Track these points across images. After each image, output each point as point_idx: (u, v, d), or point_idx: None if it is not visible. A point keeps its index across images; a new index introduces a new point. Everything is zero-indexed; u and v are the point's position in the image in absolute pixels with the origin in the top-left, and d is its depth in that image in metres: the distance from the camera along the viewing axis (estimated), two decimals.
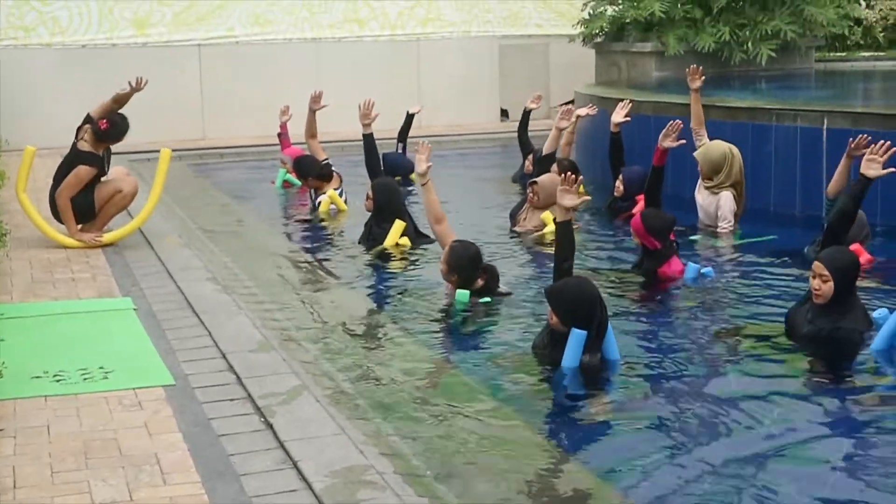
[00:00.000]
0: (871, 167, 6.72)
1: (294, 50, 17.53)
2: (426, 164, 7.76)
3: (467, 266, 7.27)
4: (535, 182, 9.79)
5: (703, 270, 7.86)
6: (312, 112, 11.54)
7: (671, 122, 8.57)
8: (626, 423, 5.30)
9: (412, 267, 8.73)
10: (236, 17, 17.17)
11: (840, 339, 6.19)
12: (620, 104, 10.03)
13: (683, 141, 8.56)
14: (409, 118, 13.71)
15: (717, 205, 9.71)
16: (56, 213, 9.11)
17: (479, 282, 7.30)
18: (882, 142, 6.81)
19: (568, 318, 5.86)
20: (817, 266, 6.21)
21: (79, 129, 9.12)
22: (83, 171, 8.95)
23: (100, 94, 9.72)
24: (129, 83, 9.34)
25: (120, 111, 9.17)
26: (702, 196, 9.89)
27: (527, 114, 12.74)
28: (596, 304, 5.89)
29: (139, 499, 4.23)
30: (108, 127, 8.95)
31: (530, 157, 11.90)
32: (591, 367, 5.83)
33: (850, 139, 8.13)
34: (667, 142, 8.35)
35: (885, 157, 6.74)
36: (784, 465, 4.80)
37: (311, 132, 11.61)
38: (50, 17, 16.18)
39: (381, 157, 10.43)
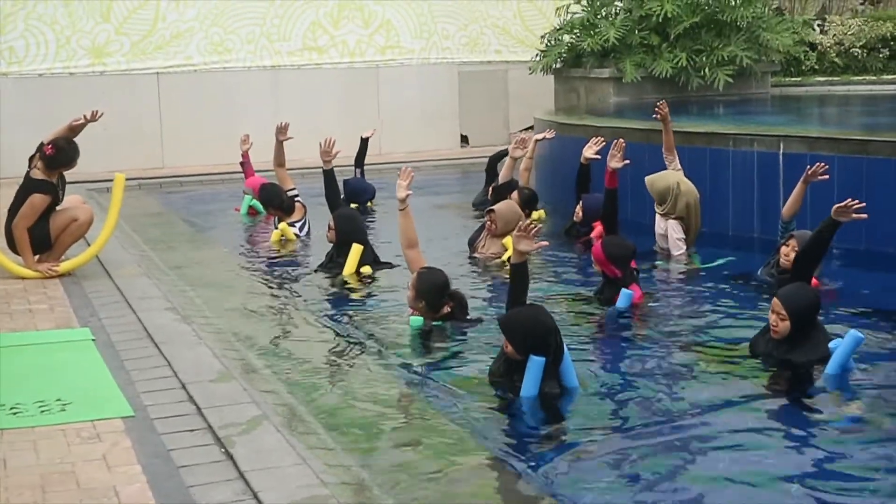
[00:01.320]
0: (843, 215, 6.73)
1: (253, 78, 17.52)
2: (406, 192, 7.80)
3: (434, 292, 7.30)
4: (493, 210, 9.82)
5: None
6: (279, 142, 11.56)
7: (615, 141, 8.68)
8: (586, 450, 5.30)
9: (373, 293, 8.73)
10: (195, 46, 17.15)
11: (794, 367, 6.23)
12: (593, 140, 10.05)
13: (628, 161, 8.65)
14: (364, 143, 13.77)
15: (666, 230, 9.83)
16: (12, 244, 9.02)
17: (446, 309, 7.32)
18: (852, 200, 6.76)
19: (522, 347, 5.86)
20: (775, 303, 6.25)
21: (31, 157, 9.06)
22: (38, 200, 8.88)
23: (58, 124, 9.66)
24: (84, 115, 9.32)
25: (68, 137, 9.11)
26: (658, 218, 9.98)
27: (505, 153, 12.79)
28: (550, 331, 5.88)
29: None
30: (54, 152, 8.87)
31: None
32: (549, 395, 5.84)
33: (808, 167, 8.22)
34: (613, 162, 8.45)
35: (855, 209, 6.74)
36: (737, 488, 4.82)
37: (279, 161, 11.63)
38: (6, 46, 16.09)
39: (341, 185, 10.44)
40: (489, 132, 18.49)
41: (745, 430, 5.51)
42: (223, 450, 5.02)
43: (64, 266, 8.98)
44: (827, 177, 8.25)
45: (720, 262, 9.37)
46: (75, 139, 9.16)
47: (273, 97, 17.36)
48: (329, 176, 9.83)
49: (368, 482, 4.78)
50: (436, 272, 7.45)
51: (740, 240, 10.34)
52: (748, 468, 5.03)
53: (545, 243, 6.42)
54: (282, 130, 11.54)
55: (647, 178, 9.88)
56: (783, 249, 8.15)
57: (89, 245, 9.40)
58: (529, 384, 5.83)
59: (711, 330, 7.34)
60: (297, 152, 16.30)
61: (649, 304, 7.87)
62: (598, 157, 10.15)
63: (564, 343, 5.99)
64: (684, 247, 9.73)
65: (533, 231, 6.19)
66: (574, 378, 5.98)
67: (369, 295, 8.70)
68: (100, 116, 9.50)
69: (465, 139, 19.11)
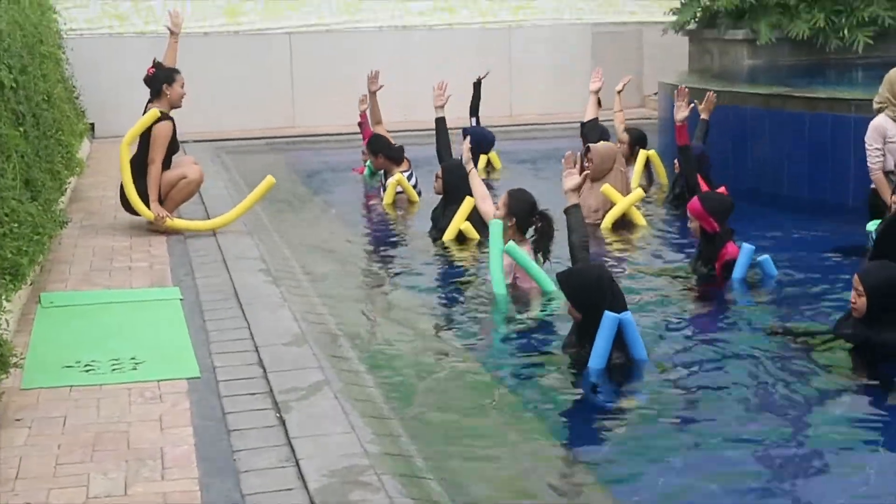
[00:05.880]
0: None
1: (384, 38, 17.53)
2: (468, 154, 8.46)
3: (525, 209, 7.54)
4: (590, 148, 9.72)
5: (759, 259, 7.58)
6: (373, 94, 11.51)
7: (677, 89, 8.49)
8: (647, 429, 5.17)
9: (471, 261, 8.62)
10: (327, 6, 17.24)
11: (882, 346, 5.94)
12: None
13: (693, 105, 8.52)
14: (477, 88, 13.57)
15: None
16: (125, 203, 9.16)
17: (536, 224, 7.47)
18: None
19: (577, 300, 5.88)
20: (855, 279, 6.02)
21: (146, 105, 9.28)
22: (162, 129, 8.95)
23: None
24: (167, 27, 9.79)
25: (164, 64, 9.41)
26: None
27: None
28: (604, 286, 5.85)
29: (133, 493, 4.26)
30: (154, 71, 9.20)
31: None
32: (617, 366, 5.72)
33: None
34: (679, 114, 8.28)
35: None
36: (809, 479, 4.63)
37: (376, 118, 11.61)
38: (144, 6, 16.44)
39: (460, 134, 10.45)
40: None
41: (820, 417, 5.29)
42: (278, 415, 5.05)
43: (176, 223, 9.08)
44: None
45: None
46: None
47: (404, 58, 17.33)
48: (441, 124, 9.93)
49: (414, 454, 4.74)
50: (525, 192, 7.70)
51: (862, 210, 9.90)
52: (816, 458, 4.82)
53: (587, 172, 6.92)
54: (372, 80, 11.47)
55: None
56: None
57: (204, 205, 9.60)
58: (600, 346, 5.72)
59: (806, 310, 7.02)
60: (426, 113, 16.31)
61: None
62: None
63: (631, 314, 5.86)
64: None
65: (579, 164, 6.58)
66: (642, 349, 5.83)
67: (468, 261, 8.60)
68: (181, 21, 9.92)
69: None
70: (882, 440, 5.07)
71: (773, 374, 5.88)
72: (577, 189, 6.55)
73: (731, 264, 7.49)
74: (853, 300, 6.00)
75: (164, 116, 9.04)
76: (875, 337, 5.94)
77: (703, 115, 9.18)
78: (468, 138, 8.86)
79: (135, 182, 8.91)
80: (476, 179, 8.42)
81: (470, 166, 8.35)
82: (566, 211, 6.45)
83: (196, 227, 9.12)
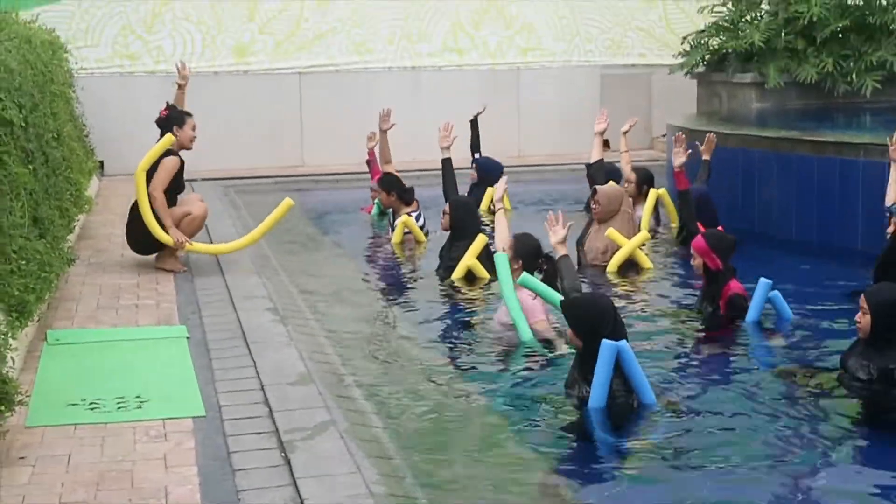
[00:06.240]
0: None
1: (394, 79, 17.59)
2: (502, 192, 8.64)
3: (531, 252, 7.66)
4: (596, 190, 9.73)
5: (771, 294, 7.55)
6: (383, 132, 11.53)
7: (675, 135, 8.54)
8: (652, 473, 5.14)
9: (479, 300, 8.62)
10: (336, 46, 17.33)
11: (890, 377, 5.90)
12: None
13: (691, 151, 8.51)
14: (474, 126, 13.62)
15: None
16: (129, 239, 9.18)
17: (542, 267, 7.57)
18: None
19: (578, 326, 5.91)
20: (861, 298, 6.04)
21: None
22: (169, 163, 9.01)
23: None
24: (177, 82, 9.97)
25: (176, 106, 9.55)
26: None
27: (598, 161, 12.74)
28: (607, 314, 5.91)
29: None
30: (167, 112, 9.32)
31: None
32: (619, 406, 5.69)
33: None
34: (677, 159, 8.32)
35: None
36: None
37: (386, 157, 11.63)
38: (155, 46, 16.52)
39: (456, 183, 10.48)
40: (631, 136, 18.13)
41: (832, 462, 5.25)
42: (283, 454, 5.02)
43: (196, 246, 9.08)
44: None
45: None
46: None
47: (413, 98, 17.40)
48: (447, 166, 9.99)
49: (419, 496, 4.72)
50: (531, 237, 7.82)
51: (871, 255, 9.89)
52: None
53: (572, 222, 7.12)
54: (384, 118, 11.49)
55: None
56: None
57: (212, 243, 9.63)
58: (601, 376, 5.68)
59: (815, 352, 7.00)
60: (436, 152, 16.38)
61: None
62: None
63: (638, 355, 5.84)
64: None
65: (561, 220, 6.84)
66: (650, 394, 5.80)
67: (475, 301, 8.59)
68: (189, 71, 10.21)
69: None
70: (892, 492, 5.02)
71: (781, 418, 5.84)
72: (564, 242, 6.88)
73: (734, 299, 7.48)
74: (858, 319, 6.00)
75: (173, 153, 9.08)
76: (878, 363, 5.89)
77: (705, 156, 9.30)
78: (504, 178, 8.88)
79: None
80: (502, 220, 8.46)
81: (500, 205, 8.48)
82: (556, 263, 6.57)
83: (216, 251, 9.18)
